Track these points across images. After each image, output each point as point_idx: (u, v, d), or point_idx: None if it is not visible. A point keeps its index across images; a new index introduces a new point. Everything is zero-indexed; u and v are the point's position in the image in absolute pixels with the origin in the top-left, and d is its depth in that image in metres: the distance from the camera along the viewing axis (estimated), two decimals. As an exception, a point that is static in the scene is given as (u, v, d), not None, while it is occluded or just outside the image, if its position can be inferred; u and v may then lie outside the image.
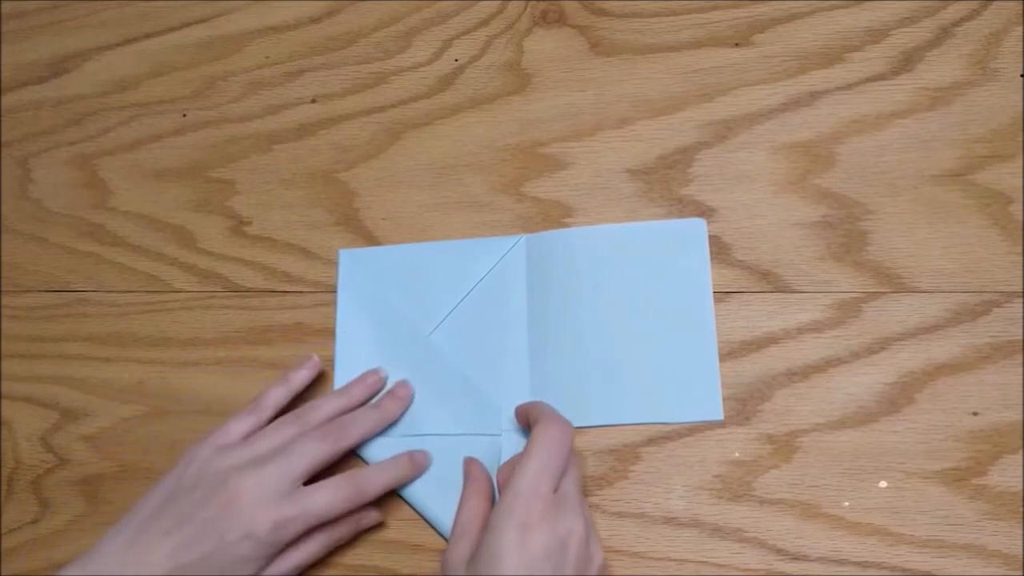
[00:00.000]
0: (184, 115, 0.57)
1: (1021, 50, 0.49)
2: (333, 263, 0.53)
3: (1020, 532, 0.44)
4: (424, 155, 0.54)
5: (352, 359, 0.51)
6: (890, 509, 0.45)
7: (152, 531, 0.43)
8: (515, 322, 0.50)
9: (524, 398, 0.48)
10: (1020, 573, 0.43)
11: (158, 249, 0.55)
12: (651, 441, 0.48)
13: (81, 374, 0.54)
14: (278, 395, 0.49)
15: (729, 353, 0.48)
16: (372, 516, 0.47)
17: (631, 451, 0.48)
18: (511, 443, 0.48)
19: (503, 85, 0.54)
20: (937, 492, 0.45)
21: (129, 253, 0.56)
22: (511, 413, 0.48)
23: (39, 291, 0.56)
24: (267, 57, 0.57)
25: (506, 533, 0.39)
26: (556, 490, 0.41)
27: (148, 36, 0.59)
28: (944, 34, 0.50)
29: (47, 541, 0.51)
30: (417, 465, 0.48)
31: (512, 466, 0.43)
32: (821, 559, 0.45)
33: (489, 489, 0.45)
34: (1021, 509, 0.44)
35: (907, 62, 0.50)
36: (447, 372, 0.50)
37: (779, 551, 0.45)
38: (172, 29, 0.59)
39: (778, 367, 0.48)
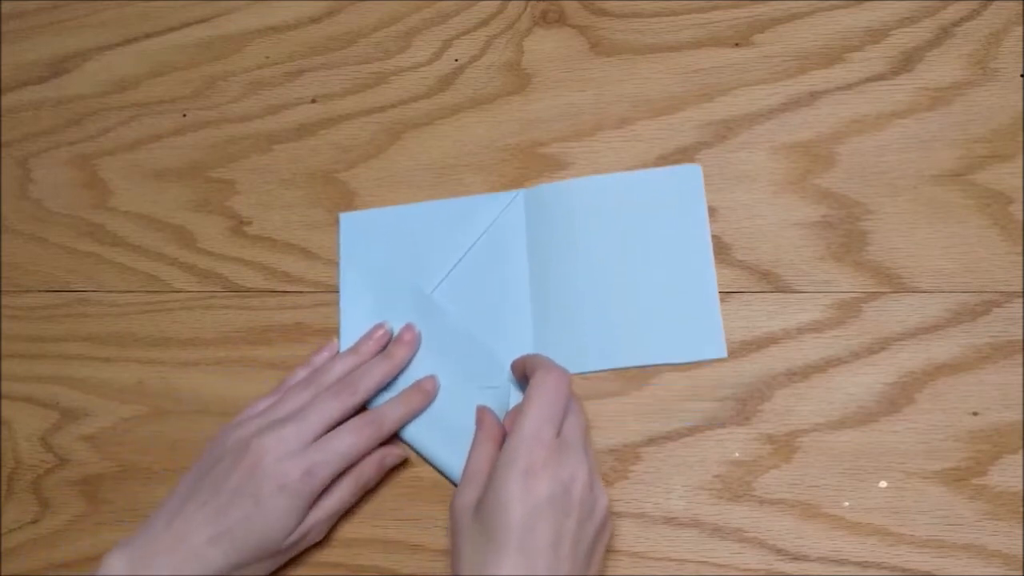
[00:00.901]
0: (184, 115, 0.57)
1: (1021, 50, 0.49)
2: (333, 263, 0.53)
3: (1020, 532, 0.44)
4: (424, 155, 0.54)
5: (356, 320, 0.51)
6: (890, 509, 0.45)
7: (189, 506, 0.44)
8: (516, 275, 0.51)
9: (528, 349, 0.49)
10: (1020, 573, 0.43)
11: (158, 249, 0.55)
12: (651, 441, 0.48)
13: (81, 374, 0.54)
14: (300, 375, 0.50)
15: (729, 353, 0.48)
16: (395, 453, 0.48)
17: (631, 451, 0.48)
18: (517, 395, 0.49)
19: (503, 85, 0.54)
20: (937, 492, 0.45)
21: (129, 253, 0.56)
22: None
23: (39, 291, 0.56)
24: (267, 57, 0.57)
25: (510, 480, 0.40)
26: (558, 435, 0.41)
27: (148, 36, 0.59)
28: (944, 34, 0.50)
29: (47, 541, 0.51)
30: (427, 393, 0.49)
31: (515, 415, 0.43)
32: (821, 559, 0.45)
33: (500, 435, 0.45)
34: (1021, 509, 0.44)
35: (907, 62, 0.50)
36: (451, 328, 0.50)
37: (779, 551, 0.45)
38: (172, 29, 0.59)
39: (778, 367, 0.48)
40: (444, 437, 0.48)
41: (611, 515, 0.44)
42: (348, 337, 0.51)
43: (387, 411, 0.48)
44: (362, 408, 0.49)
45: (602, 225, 0.50)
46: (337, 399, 0.47)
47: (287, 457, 0.44)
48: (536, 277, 0.50)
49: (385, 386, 0.49)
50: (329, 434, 0.46)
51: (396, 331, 0.51)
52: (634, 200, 0.50)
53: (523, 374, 0.47)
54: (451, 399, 0.49)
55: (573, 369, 0.47)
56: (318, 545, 0.49)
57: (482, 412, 0.47)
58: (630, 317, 0.49)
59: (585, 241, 0.50)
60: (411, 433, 0.49)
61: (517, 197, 0.52)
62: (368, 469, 0.47)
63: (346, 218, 0.53)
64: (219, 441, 0.47)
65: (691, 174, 0.50)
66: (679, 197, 0.50)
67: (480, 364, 0.50)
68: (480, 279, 0.51)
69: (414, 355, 0.50)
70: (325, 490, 0.46)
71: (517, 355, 0.48)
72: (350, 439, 0.46)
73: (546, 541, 0.39)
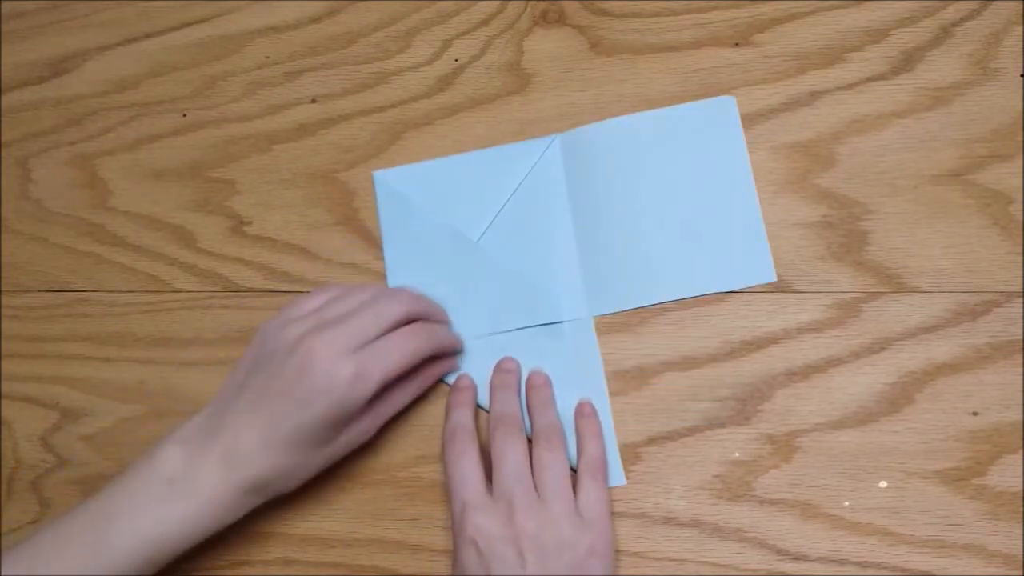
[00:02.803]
0: (184, 115, 0.57)
1: (1021, 50, 0.49)
2: (333, 263, 0.53)
3: (1020, 532, 0.44)
4: (424, 155, 0.54)
5: (403, 274, 0.52)
6: (890, 509, 0.45)
7: (240, 405, 0.44)
8: (560, 219, 0.51)
9: (578, 289, 0.50)
10: (1020, 573, 0.43)
11: (158, 249, 0.55)
12: (651, 441, 0.48)
13: (81, 374, 0.54)
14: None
15: (729, 353, 0.48)
16: (452, 364, 0.50)
17: (631, 451, 0.48)
18: (572, 329, 0.49)
19: (503, 85, 0.54)
20: (937, 492, 0.45)
21: (129, 253, 0.56)
22: (569, 301, 0.50)
23: (39, 291, 0.56)
24: (267, 57, 0.57)
25: (456, 550, 0.43)
26: (491, 494, 0.43)
27: (148, 36, 0.59)
28: (944, 34, 0.50)
29: (47, 541, 0.51)
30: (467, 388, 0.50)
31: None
32: (821, 559, 0.45)
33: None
34: (1021, 509, 0.44)
35: (907, 62, 0.50)
36: (499, 273, 0.51)
37: (779, 551, 0.45)
38: (172, 29, 0.59)
39: (778, 367, 0.48)
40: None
41: (600, 550, 0.43)
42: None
43: (436, 327, 0.48)
44: None
45: (641, 162, 0.51)
46: (393, 306, 0.46)
47: (336, 359, 0.43)
48: (579, 218, 0.51)
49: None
50: (384, 338, 0.45)
51: (441, 283, 0.51)
52: (671, 135, 0.51)
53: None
54: (505, 342, 0.50)
55: (627, 305, 0.49)
56: (318, 545, 0.49)
57: (453, 413, 0.48)
58: (677, 249, 0.50)
59: (626, 179, 0.51)
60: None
61: (554, 141, 0.52)
62: (429, 376, 0.48)
63: (379, 176, 0.54)
64: (267, 339, 0.45)
65: (726, 105, 0.51)
66: (716, 129, 0.51)
67: (532, 302, 0.50)
68: (524, 225, 0.51)
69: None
70: (379, 394, 0.45)
71: (568, 292, 0.50)
72: (403, 343, 0.45)
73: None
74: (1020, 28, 0.50)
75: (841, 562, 0.45)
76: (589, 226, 0.51)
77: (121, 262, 0.56)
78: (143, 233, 0.56)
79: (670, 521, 0.46)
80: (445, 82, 0.55)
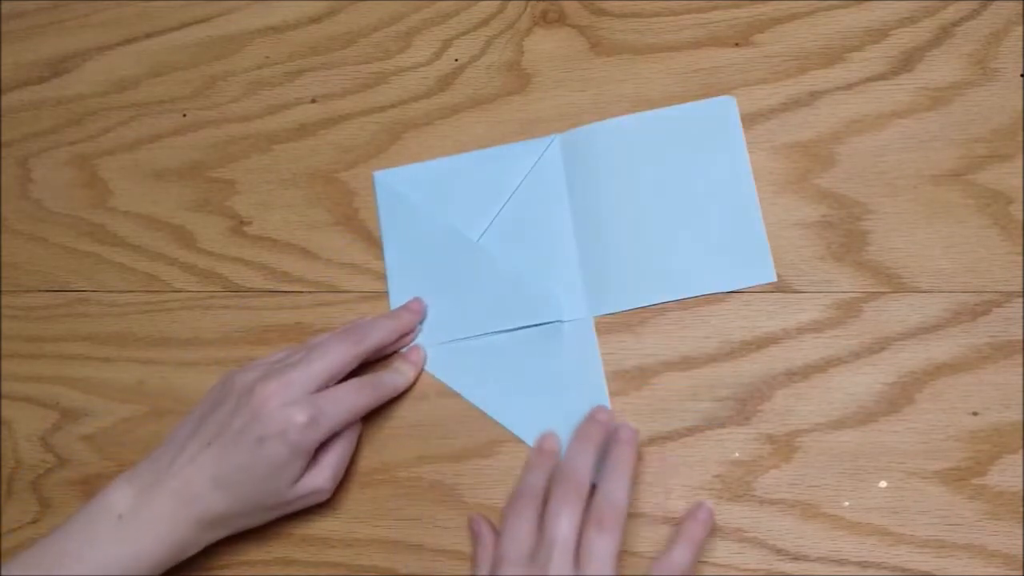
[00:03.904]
0: (184, 115, 0.57)
1: (1021, 50, 0.49)
2: (333, 263, 0.53)
3: (1020, 532, 0.44)
4: (424, 155, 0.54)
5: (403, 274, 0.52)
6: (890, 509, 0.45)
7: (193, 445, 0.45)
8: (560, 219, 0.51)
9: (577, 289, 0.50)
10: (1020, 573, 0.43)
11: (158, 249, 0.55)
12: (651, 441, 0.48)
13: (81, 374, 0.54)
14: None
15: (729, 353, 0.48)
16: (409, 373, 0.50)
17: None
18: (572, 329, 0.49)
19: (503, 85, 0.54)
20: (937, 492, 0.45)
21: (129, 253, 0.56)
22: (569, 301, 0.50)
23: (39, 291, 0.56)
24: (267, 57, 0.57)
25: None
26: (532, 555, 0.41)
27: (148, 36, 0.59)
28: (944, 34, 0.50)
29: (47, 541, 0.51)
30: (416, 312, 0.51)
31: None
32: (821, 559, 0.45)
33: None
34: (1021, 509, 0.44)
35: (907, 62, 0.50)
36: (499, 272, 0.51)
37: (779, 551, 0.45)
38: (172, 29, 0.59)
39: (778, 367, 0.48)
40: (498, 389, 0.49)
41: None
42: (396, 295, 0.52)
43: (385, 380, 0.49)
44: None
45: (641, 162, 0.51)
46: (343, 343, 0.47)
47: (291, 403, 0.44)
48: (579, 218, 0.51)
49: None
50: (335, 386, 0.46)
51: (442, 283, 0.52)
52: (671, 135, 0.51)
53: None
54: (505, 345, 0.50)
55: (627, 305, 0.49)
56: (318, 545, 0.49)
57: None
58: (678, 250, 0.49)
59: (625, 179, 0.51)
60: (467, 387, 0.50)
61: (553, 141, 0.52)
62: (352, 433, 0.48)
63: (380, 176, 0.54)
64: (225, 383, 0.47)
65: (726, 105, 0.51)
66: (716, 128, 0.51)
67: (532, 302, 0.50)
68: (523, 225, 0.51)
69: (421, 323, 0.51)
70: (326, 444, 0.46)
71: (568, 295, 0.50)
72: (353, 397, 0.46)
73: None
74: (1020, 28, 0.50)
75: (841, 562, 0.45)
76: (589, 226, 0.51)
77: (121, 262, 0.56)
78: (143, 233, 0.56)
79: (670, 521, 0.46)
80: (445, 82, 0.55)
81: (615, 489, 0.43)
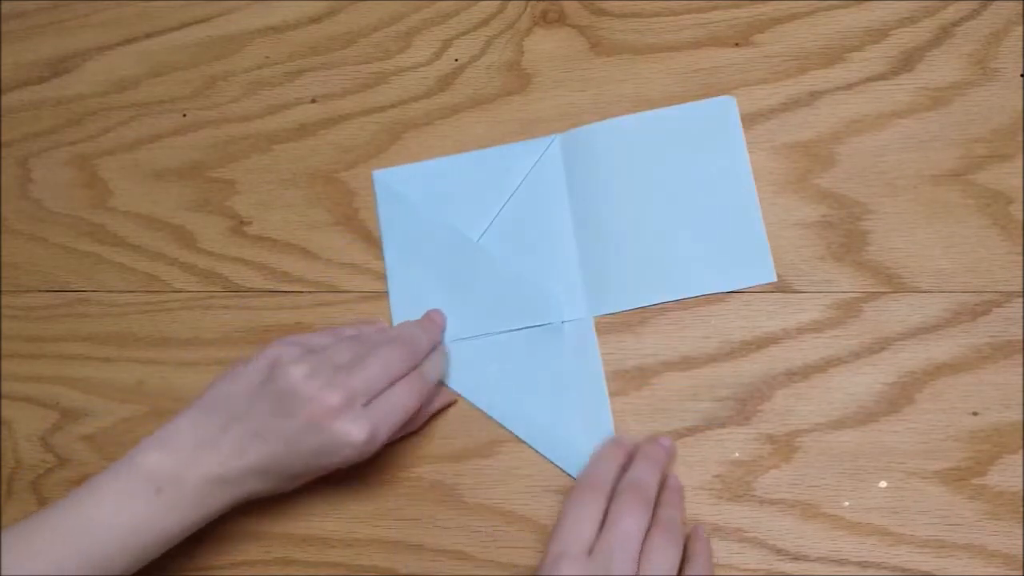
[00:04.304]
0: (184, 115, 0.57)
1: (1021, 50, 0.49)
2: (334, 263, 0.53)
3: (1020, 532, 0.44)
4: (424, 155, 0.54)
5: (403, 274, 0.52)
6: (890, 509, 0.45)
7: (239, 430, 0.44)
8: (559, 219, 0.51)
9: (577, 290, 0.50)
10: (1020, 573, 0.43)
11: (158, 249, 0.55)
12: (651, 441, 0.48)
13: (81, 374, 0.54)
14: (348, 332, 0.49)
15: (729, 353, 0.48)
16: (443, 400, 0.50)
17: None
18: (572, 329, 0.49)
19: (503, 85, 0.54)
20: (937, 492, 0.45)
21: (129, 253, 0.56)
22: (569, 301, 0.50)
23: (39, 291, 0.56)
24: (267, 57, 0.57)
25: None
26: (591, 551, 0.40)
27: (148, 36, 0.59)
28: (944, 34, 0.50)
29: (47, 541, 0.51)
30: (438, 323, 0.50)
31: None
32: (821, 559, 0.45)
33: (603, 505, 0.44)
34: (1021, 509, 0.44)
35: (907, 62, 0.50)
36: (499, 272, 0.51)
37: (779, 551, 0.45)
38: (172, 29, 0.59)
39: (778, 367, 0.48)
40: (500, 389, 0.49)
41: None
42: (397, 294, 0.52)
43: (427, 371, 0.47)
44: None
45: (641, 162, 0.51)
46: (399, 352, 0.46)
47: (353, 419, 0.43)
48: (579, 218, 0.51)
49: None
50: (388, 392, 0.45)
51: (444, 280, 0.51)
52: (671, 135, 0.51)
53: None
54: (505, 345, 0.50)
55: (627, 305, 0.49)
56: (318, 545, 0.49)
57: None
58: (678, 250, 0.50)
59: (626, 179, 0.51)
60: (466, 387, 0.50)
61: (553, 142, 0.52)
62: (418, 420, 0.48)
63: (379, 175, 0.54)
64: (274, 368, 0.45)
65: (726, 105, 0.51)
66: (716, 129, 0.51)
67: (532, 302, 0.50)
68: (523, 225, 0.51)
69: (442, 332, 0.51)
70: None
71: (568, 295, 0.50)
72: (405, 400, 0.45)
73: None
74: (1020, 28, 0.50)
75: (841, 562, 0.45)
76: (589, 226, 0.51)
77: (121, 262, 0.56)
78: (143, 233, 0.56)
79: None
80: (445, 82, 0.55)
81: (675, 515, 0.44)
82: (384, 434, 0.44)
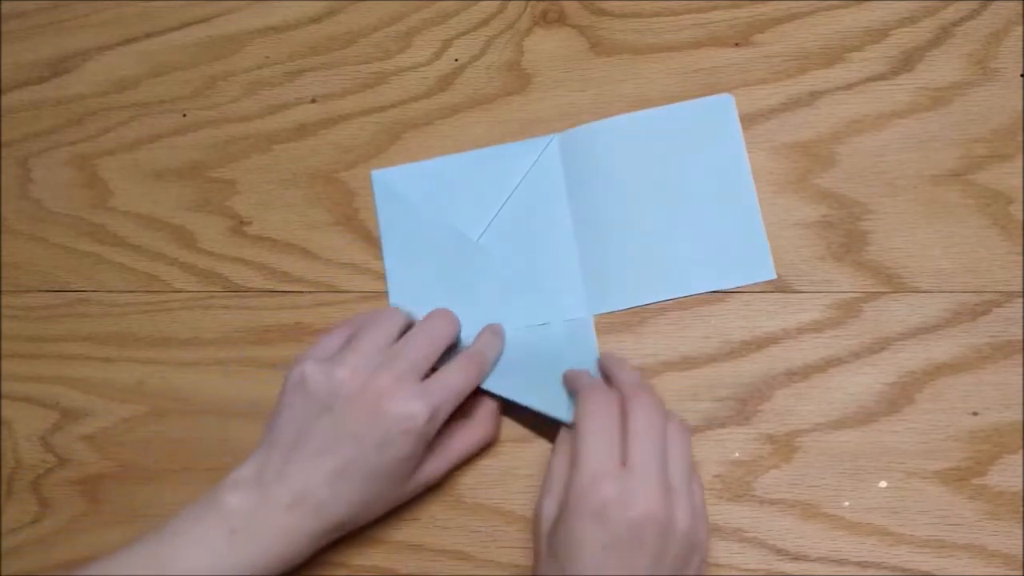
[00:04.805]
0: (184, 115, 0.57)
1: (1021, 50, 0.49)
2: (334, 263, 0.53)
3: (1020, 532, 0.44)
4: (424, 155, 0.54)
5: (403, 274, 0.52)
6: (890, 509, 0.45)
7: (303, 454, 0.42)
8: (559, 219, 0.51)
9: (577, 289, 0.50)
10: (1020, 573, 0.43)
11: (158, 249, 0.55)
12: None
13: (81, 374, 0.54)
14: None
15: (729, 353, 0.48)
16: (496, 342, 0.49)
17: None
18: (572, 329, 0.50)
19: (503, 85, 0.54)
20: (937, 492, 0.45)
21: (129, 253, 0.56)
22: (569, 300, 0.50)
23: (39, 291, 0.56)
24: (267, 57, 0.57)
25: (579, 523, 0.38)
26: (625, 462, 0.39)
27: (148, 36, 0.59)
28: (944, 34, 0.50)
29: (47, 541, 0.51)
30: (500, 333, 0.49)
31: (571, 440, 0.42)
32: (821, 559, 0.45)
33: None
34: (1021, 509, 0.44)
35: (907, 62, 0.50)
36: (499, 272, 0.51)
37: (779, 551, 0.45)
38: (172, 29, 0.59)
39: (778, 367, 0.48)
40: (498, 385, 0.48)
41: (703, 546, 0.41)
42: (397, 294, 0.52)
43: (484, 348, 0.47)
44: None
45: (640, 161, 0.51)
46: (442, 327, 0.46)
47: (409, 398, 0.42)
48: (579, 217, 0.51)
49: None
50: (440, 372, 0.45)
51: (442, 281, 0.51)
52: (670, 134, 0.51)
53: (571, 389, 0.46)
54: (506, 342, 0.50)
55: (627, 304, 0.49)
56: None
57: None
58: (677, 248, 0.50)
59: (624, 178, 0.51)
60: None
61: (552, 141, 0.52)
62: (486, 421, 0.47)
63: (378, 175, 0.54)
64: (307, 385, 0.43)
65: (724, 104, 0.51)
66: (714, 127, 0.51)
67: (532, 302, 0.50)
68: (523, 224, 0.51)
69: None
70: (442, 433, 0.45)
71: (568, 295, 0.50)
72: (462, 378, 0.45)
73: None
74: (1020, 28, 0.50)
75: (841, 562, 0.45)
76: (588, 225, 0.51)
77: (121, 262, 0.56)
78: (143, 233, 0.56)
79: (670, 521, 0.46)
80: (445, 82, 0.55)
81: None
82: (445, 411, 0.43)
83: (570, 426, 0.43)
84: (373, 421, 0.42)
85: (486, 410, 0.48)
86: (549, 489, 0.41)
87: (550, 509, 0.41)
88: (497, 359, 0.48)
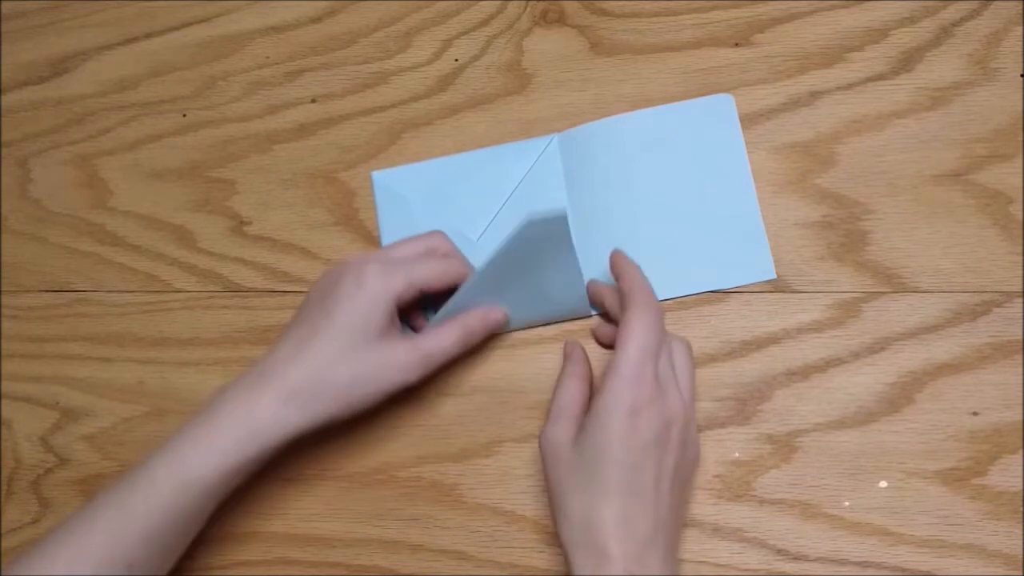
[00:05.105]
0: (184, 115, 0.57)
1: (1021, 50, 0.49)
2: (333, 263, 0.53)
3: (1020, 532, 0.44)
4: (424, 155, 0.54)
5: None
6: (890, 509, 0.45)
7: (283, 342, 0.45)
8: None
9: (578, 289, 0.50)
10: (1020, 573, 0.43)
11: (158, 249, 0.55)
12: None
13: (81, 374, 0.54)
14: None
15: (729, 353, 0.48)
16: (499, 311, 0.49)
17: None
18: (547, 231, 0.49)
19: (503, 85, 0.54)
20: (937, 492, 0.45)
21: (129, 253, 0.56)
22: (569, 301, 0.49)
23: (39, 291, 0.56)
24: (267, 57, 0.57)
25: (615, 421, 0.40)
26: (656, 372, 0.41)
27: (148, 36, 0.59)
28: (944, 34, 0.50)
29: (47, 541, 0.51)
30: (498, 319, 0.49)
31: (612, 333, 0.44)
32: (821, 559, 0.45)
33: (587, 373, 0.46)
34: (1021, 509, 0.44)
35: (907, 62, 0.50)
36: (500, 272, 0.50)
37: (779, 551, 0.45)
38: (172, 29, 0.59)
39: (778, 367, 0.48)
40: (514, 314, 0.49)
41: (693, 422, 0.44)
42: None
43: (476, 313, 0.48)
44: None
45: (640, 160, 0.51)
46: (425, 237, 0.49)
47: (367, 263, 0.45)
48: (579, 217, 0.51)
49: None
50: (416, 256, 0.47)
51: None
52: (669, 133, 0.51)
53: (605, 301, 0.48)
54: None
55: None
56: (318, 545, 0.49)
57: (571, 346, 0.47)
58: (677, 248, 0.50)
59: (624, 177, 0.51)
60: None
61: (552, 141, 0.52)
62: (473, 320, 0.48)
63: (378, 176, 0.54)
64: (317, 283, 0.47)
65: (723, 103, 0.51)
66: (714, 126, 0.51)
67: (531, 303, 0.50)
68: None
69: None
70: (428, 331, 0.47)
71: (567, 294, 0.49)
72: (435, 262, 0.47)
73: (649, 480, 0.40)
74: (1020, 28, 0.50)
75: (841, 562, 0.45)
76: (589, 224, 0.51)
77: (121, 262, 0.56)
78: (143, 233, 0.56)
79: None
80: (445, 82, 0.55)
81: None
82: (403, 274, 0.45)
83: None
84: (334, 287, 0.45)
85: (475, 311, 0.48)
86: (559, 414, 0.43)
87: (564, 431, 0.42)
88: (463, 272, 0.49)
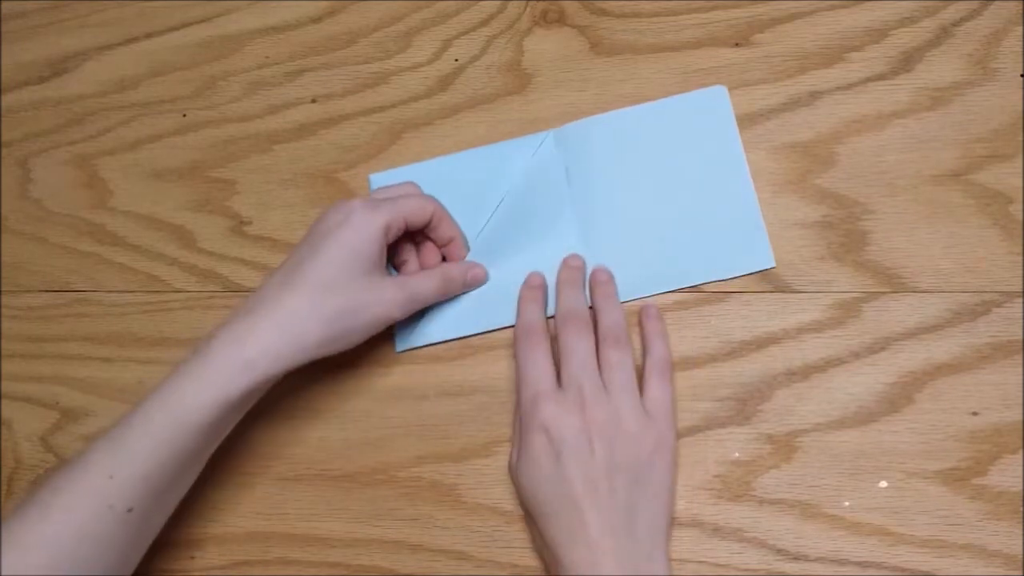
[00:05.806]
0: (184, 115, 0.57)
1: (1021, 50, 0.49)
2: (333, 263, 0.53)
3: (1020, 532, 0.44)
4: (424, 155, 0.54)
5: None
6: (890, 509, 0.45)
7: (272, 280, 0.45)
8: (559, 214, 0.51)
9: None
10: (1020, 573, 0.43)
11: (158, 249, 0.55)
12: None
13: (81, 374, 0.54)
14: None
15: (729, 353, 0.48)
16: (481, 268, 0.50)
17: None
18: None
19: (503, 85, 0.54)
20: (937, 492, 0.45)
21: (129, 253, 0.56)
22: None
23: (39, 291, 0.56)
24: (267, 57, 0.57)
25: (524, 436, 0.44)
26: (560, 384, 0.44)
27: (148, 36, 0.59)
28: (944, 34, 0.50)
29: (47, 541, 0.51)
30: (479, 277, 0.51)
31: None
32: (821, 559, 0.45)
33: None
34: (1021, 509, 0.44)
35: (907, 62, 0.50)
36: (498, 270, 0.51)
37: (779, 551, 0.45)
38: (172, 29, 0.59)
39: (778, 367, 0.48)
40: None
41: (667, 443, 0.45)
42: None
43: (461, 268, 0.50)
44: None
45: (636, 154, 0.51)
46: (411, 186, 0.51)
47: (351, 201, 0.46)
48: (578, 212, 0.51)
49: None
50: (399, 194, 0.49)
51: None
52: (664, 127, 0.51)
53: None
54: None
55: (628, 296, 0.50)
56: (318, 545, 0.49)
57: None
58: (676, 239, 0.50)
59: (620, 172, 0.51)
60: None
61: (547, 138, 0.52)
62: (454, 270, 0.49)
63: (376, 179, 0.54)
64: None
65: (717, 95, 0.51)
66: (709, 118, 0.51)
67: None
68: (521, 221, 0.51)
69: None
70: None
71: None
72: (418, 199, 0.48)
73: (579, 490, 0.42)
74: (1020, 28, 0.50)
75: (841, 562, 0.45)
76: (587, 220, 0.51)
77: (121, 262, 0.56)
78: (143, 233, 0.56)
79: (670, 521, 0.46)
80: (445, 82, 0.55)
81: (611, 312, 0.47)
82: (388, 209, 0.46)
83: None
84: (318, 224, 0.46)
85: (458, 265, 0.50)
86: (513, 442, 0.46)
87: (515, 457, 0.45)
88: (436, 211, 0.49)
